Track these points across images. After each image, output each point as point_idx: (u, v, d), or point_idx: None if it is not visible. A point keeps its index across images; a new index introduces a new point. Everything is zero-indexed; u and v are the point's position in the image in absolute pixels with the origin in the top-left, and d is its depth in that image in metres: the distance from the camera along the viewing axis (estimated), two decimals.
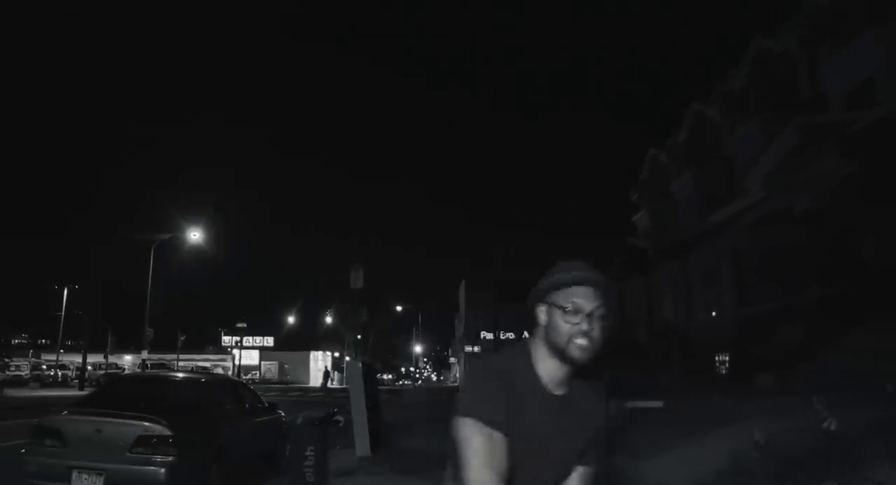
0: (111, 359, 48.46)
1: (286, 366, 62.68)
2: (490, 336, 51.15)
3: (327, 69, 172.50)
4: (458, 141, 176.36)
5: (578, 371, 1.62)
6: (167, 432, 6.20)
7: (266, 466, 8.51)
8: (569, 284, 1.58)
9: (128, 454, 6.15)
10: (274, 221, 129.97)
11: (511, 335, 48.99)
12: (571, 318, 1.54)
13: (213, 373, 28.64)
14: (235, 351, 54.10)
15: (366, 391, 9.40)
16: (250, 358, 61.08)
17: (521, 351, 1.66)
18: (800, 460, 5.01)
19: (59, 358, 45.95)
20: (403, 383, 76.27)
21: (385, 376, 73.47)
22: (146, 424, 6.30)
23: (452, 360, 79.64)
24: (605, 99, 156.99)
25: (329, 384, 50.00)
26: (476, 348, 52.59)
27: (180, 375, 9.82)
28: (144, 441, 6.20)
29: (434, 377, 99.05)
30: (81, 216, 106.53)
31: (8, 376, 41.91)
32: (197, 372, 19.14)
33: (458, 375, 67.74)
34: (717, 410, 7.52)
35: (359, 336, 64.70)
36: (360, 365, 9.73)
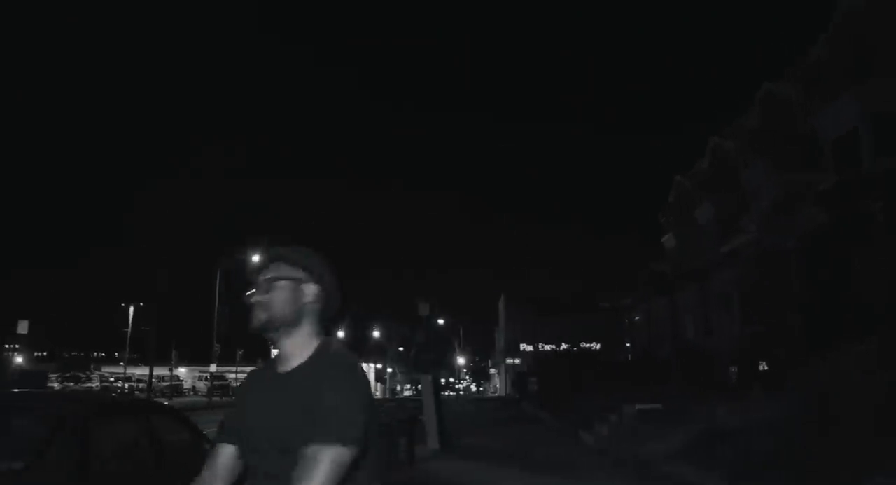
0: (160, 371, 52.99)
1: None
2: (530, 348, 54.01)
3: (406, 119, 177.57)
4: (496, 161, 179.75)
5: (325, 345, 1.65)
6: None
7: None
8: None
9: None
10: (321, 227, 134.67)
11: (552, 346, 51.73)
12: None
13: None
14: None
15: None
16: None
17: None
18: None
19: (125, 371, 50.57)
20: (448, 394, 79.33)
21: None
22: None
23: (493, 371, 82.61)
24: (641, 126, 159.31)
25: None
26: (517, 360, 55.39)
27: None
28: None
29: (474, 388, 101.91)
30: (149, 237, 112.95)
31: (82, 388, 46.60)
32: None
33: (498, 385, 70.60)
34: (696, 410, 10.51)
35: (400, 349, 68.26)
36: (431, 378, 12.99)
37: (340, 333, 62.03)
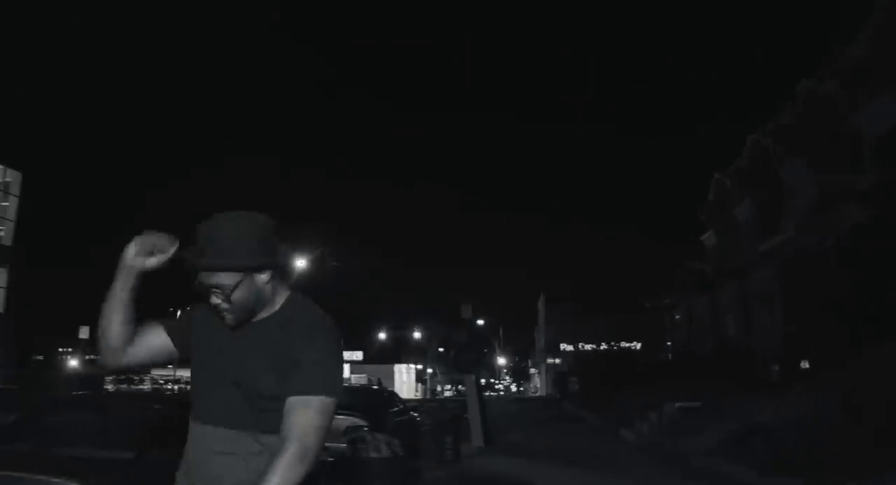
0: None
1: (372, 378, 67.78)
2: (570, 348, 54.12)
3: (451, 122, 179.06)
4: (525, 161, 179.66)
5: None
6: (363, 423, 9.75)
7: (409, 451, 12.30)
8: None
9: (342, 438, 9.06)
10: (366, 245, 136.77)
11: (592, 346, 51.70)
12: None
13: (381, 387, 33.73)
14: None
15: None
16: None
17: None
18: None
19: (174, 374, 52.56)
20: (488, 394, 79.84)
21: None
22: (352, 417, 10.24)
23: (533, 371, 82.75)
24: (681, 122, 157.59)
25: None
26: (557, 360, 55.54)
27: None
28: (351, 430, 9.12)
29: (514, 388, 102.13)
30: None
31: (134, 390, 48.58)
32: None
33: (538, 385, 70.79)
34: (734, 407, 10.86)
35: (440, 349, 68.93)
36: (474, 378, 13.57)
37: (381, 335, 63.55)
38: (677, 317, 31.66)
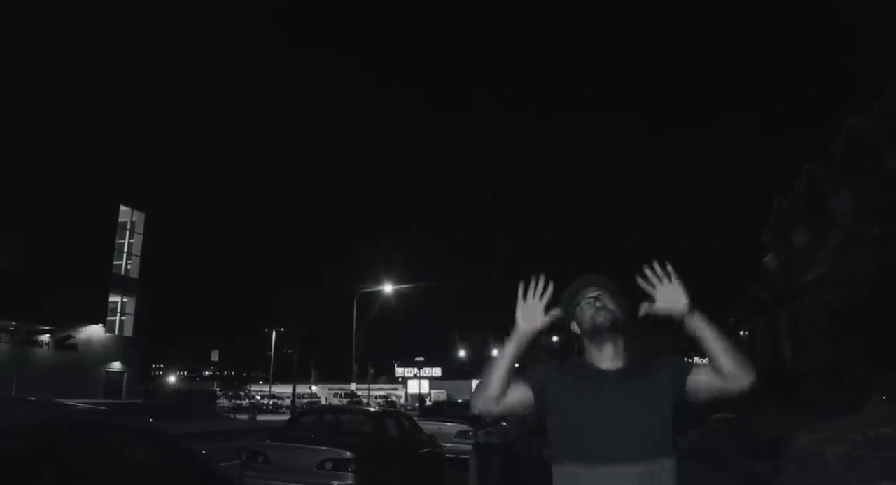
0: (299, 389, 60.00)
1: (449, 394, 71.73)
2: None
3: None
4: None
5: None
6: (348, 455, 7.89)
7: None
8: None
9: (315, 471, 7.82)
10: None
11: None
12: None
13: (387, 407, 35.99)
14: (411, 381, 64.09)
15: None
16: (420, 387, 70.93)
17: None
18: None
19: (270, 389, 57.94)
20: None
21: None
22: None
23: None
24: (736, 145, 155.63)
25: None
26: None
27: (357, 408, 15.08)
28: (330, 464, 7.82)
29: None
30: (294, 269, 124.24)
31: (235, 404, 54.01)
32: (380, 404, 26.12)
33: None
34: (764, 418, 13.88)
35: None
36: None
37: (461, 353, 67.49)
38: (744, 333, 33.95)
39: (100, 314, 34.42)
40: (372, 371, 60.15)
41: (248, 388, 68.76)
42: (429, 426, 13.16)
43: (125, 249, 37.47)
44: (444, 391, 72.40)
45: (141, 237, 38.18)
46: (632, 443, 2.12)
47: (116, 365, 35.56)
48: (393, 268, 38.23)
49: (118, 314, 37.17)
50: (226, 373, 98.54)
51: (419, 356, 71.17)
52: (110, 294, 35.52)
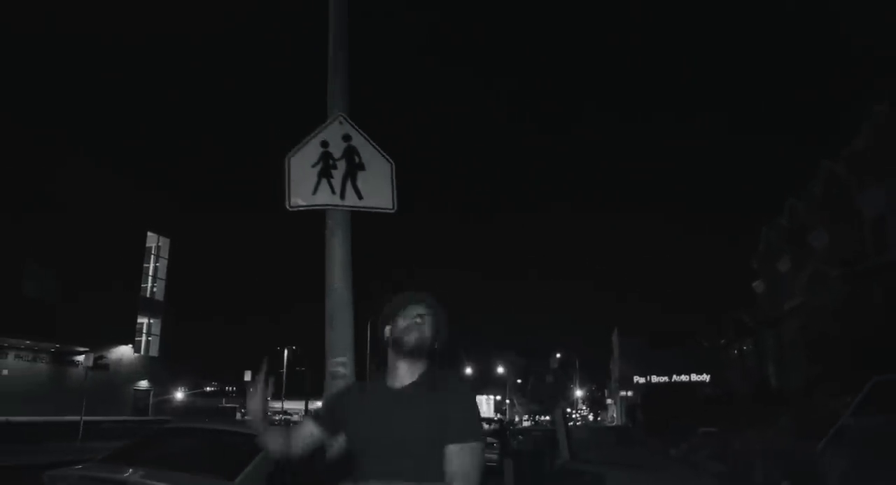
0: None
1: None
2: (642, 380, 59.09)
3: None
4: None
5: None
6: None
7: None
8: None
9: None
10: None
11: (664, 379, 56.45)
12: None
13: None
14: None
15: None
16: None
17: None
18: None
19: (283, 406, 60.59)
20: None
21: (544, 418, 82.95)
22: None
23: (609, 401, 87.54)
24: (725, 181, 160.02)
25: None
26: (629, 393, 60.57)
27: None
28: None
29: (591, 417, 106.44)
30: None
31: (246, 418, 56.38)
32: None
33: (614, 415, 75.68)
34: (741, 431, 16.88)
35: (518, 380, 74.96)
36: (561, 411, 20.07)
37: (468, 370, 70.34)
38: (735, 352, 37.04)
39: (129, 336, 37.29)
40: None
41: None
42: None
43: (150, 273, 40.30)
44: None
45: (166, 261, 41.05)
46: (401, 463, 2.13)
47: (143, 384, 38.39)
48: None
49: (144, 335, 40.03)
50: (227, 388, 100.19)
51: None
52: (138, 316, 38.36)
